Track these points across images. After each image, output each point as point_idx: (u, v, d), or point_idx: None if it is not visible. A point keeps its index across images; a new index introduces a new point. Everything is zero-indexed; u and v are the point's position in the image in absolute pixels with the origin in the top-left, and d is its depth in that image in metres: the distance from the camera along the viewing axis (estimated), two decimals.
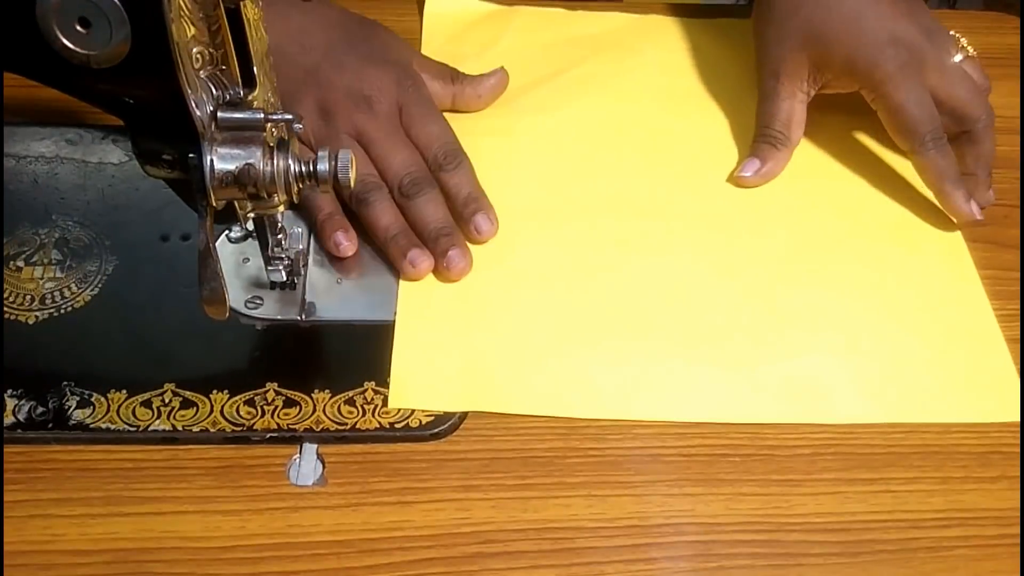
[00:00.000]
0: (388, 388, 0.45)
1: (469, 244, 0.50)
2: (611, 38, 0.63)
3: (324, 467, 0.43)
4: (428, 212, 0.49)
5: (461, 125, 0.54)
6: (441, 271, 0.49)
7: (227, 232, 0.50)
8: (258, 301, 0.48)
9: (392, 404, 0.45)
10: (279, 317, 0.48)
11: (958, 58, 0.54)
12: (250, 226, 0.45)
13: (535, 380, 0.46)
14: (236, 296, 0.48)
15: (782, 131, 0.55)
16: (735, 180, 0.55)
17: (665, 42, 0.64)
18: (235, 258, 0.49)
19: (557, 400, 0.45)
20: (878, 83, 0.52)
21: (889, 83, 0.52)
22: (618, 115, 0.58)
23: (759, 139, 0.55)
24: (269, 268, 0.47)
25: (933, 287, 0.51)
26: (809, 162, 0.57)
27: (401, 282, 0.49)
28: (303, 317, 0.48)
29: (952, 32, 0.56)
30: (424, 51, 0.60)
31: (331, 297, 0.49)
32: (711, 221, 0.53)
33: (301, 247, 0.49)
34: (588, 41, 0.63)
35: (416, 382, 0.45)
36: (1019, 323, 0.50)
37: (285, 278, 0.47)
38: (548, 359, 0.47)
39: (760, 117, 0.56)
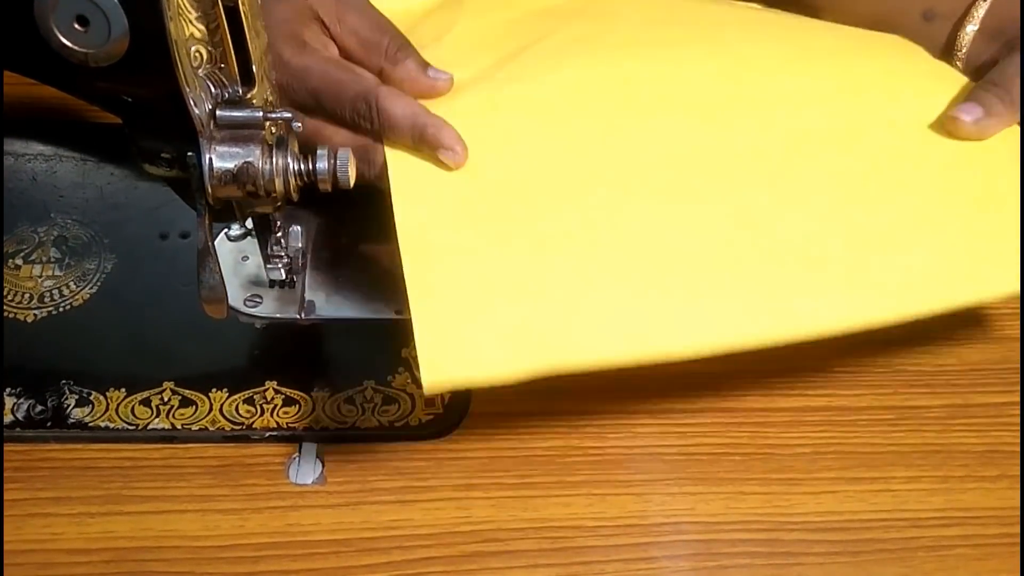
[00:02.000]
0: (416, 370, 0.40)
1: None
2: (581, 3, 0.55)
3: (323, 466, 0.43)
4: None
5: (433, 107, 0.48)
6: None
7: (226, 230, 0.50)
8: (257, 299, 0.48)
9: (428, 388, 0.36)
10: (278, 315, 0.47)
11: None
12: (249, 224, 0.45)
13: (597, 318, 0.39)
14: (235, 294, 0.48)
15: (1014, 95, 0.47)
16: (948, 119, 0.47)
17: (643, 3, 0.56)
18: (234, 256, 0.49)
19: (633, 336, 0.38)
20: None
21: None
22: (607, 76, 0.50)
23: (988, 89, 0.48)
24: (268, 266, 0.46)
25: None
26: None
27: (399, 221, 0.42)
28: (302, 315, 0.48)
29: None
30: None
31: (330, 295, 0.49)
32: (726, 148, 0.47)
33: (300, 245, 0.48)
34: (556, 11, 0.56)
35: (453, 348, 0.37)
36: (1019, 321, 0.50)
37: (284, 276, 0.47)
38: (602, 286, 0.40)
39: (996, 72, 0.48)
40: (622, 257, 0.41)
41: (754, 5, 0.58)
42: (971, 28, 0.52)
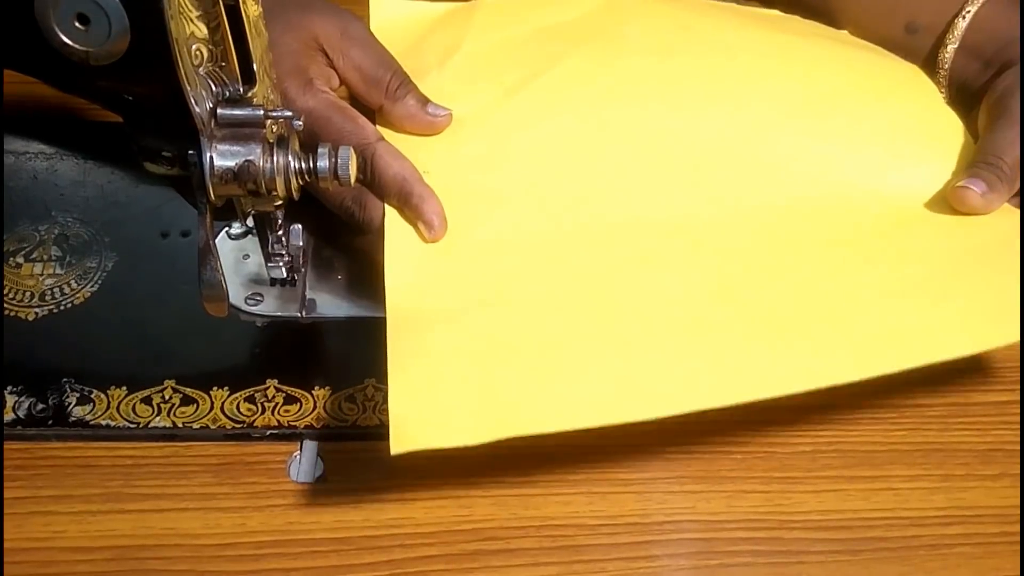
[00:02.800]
0: (389, 388, 0.41)
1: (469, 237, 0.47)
2: (589, 23, 0.53)
3: (325, 464, 0.43)
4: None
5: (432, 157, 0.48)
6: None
7: (227, 229, 0.50)
8: (258, 298, 0.48)
9: (395, 449, 0.37)
10: (279, 314, 0.48)
11: None
12: (250, 223, 0.45)
13: (565, 387, 0.40)
14: (236, 293, 0.48)
15: (1012, 170, 0.47)
16: (955, 191, 0.47)
17: (651, 23, 0.55)
18: (235, 255, 0.49)
19: (596, 407, 0.39)
20: None
21: None
22: (614, 117, 0.50)
23: (984, 166, 0.47)
24: (269, 265, 0.46)
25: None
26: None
27: (388, 285, 0.43)
28: (303, 314, 0.48)
29: None
30: None
31: (331, 294, 0.49)
32: (720, 216, 0.48)
33: (301, 244, 0.48)
34: (564, 31, 0.54)
35: (422, 414, 0.38)
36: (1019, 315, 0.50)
37: (285, 275, 0.47)
38: (569, 360, 0.41)
39: (991, 144, 0.48)
40: (596, 326, 0.42)
41: (759, 10, 0.58)
42: (952, 47, 0.53)
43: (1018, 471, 0.44)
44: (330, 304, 0.48)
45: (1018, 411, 0.47)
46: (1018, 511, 0.43)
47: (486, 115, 0.51)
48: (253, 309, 0.47)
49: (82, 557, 0.39)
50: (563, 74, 0.52)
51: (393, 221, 0.46)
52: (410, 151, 0.49)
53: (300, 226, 0.50)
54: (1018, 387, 0.48)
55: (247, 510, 0.41)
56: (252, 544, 0.40)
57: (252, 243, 0.49)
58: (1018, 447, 0.45)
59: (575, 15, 0.55)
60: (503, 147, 0.50)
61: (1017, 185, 0.48)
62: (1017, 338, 0.41)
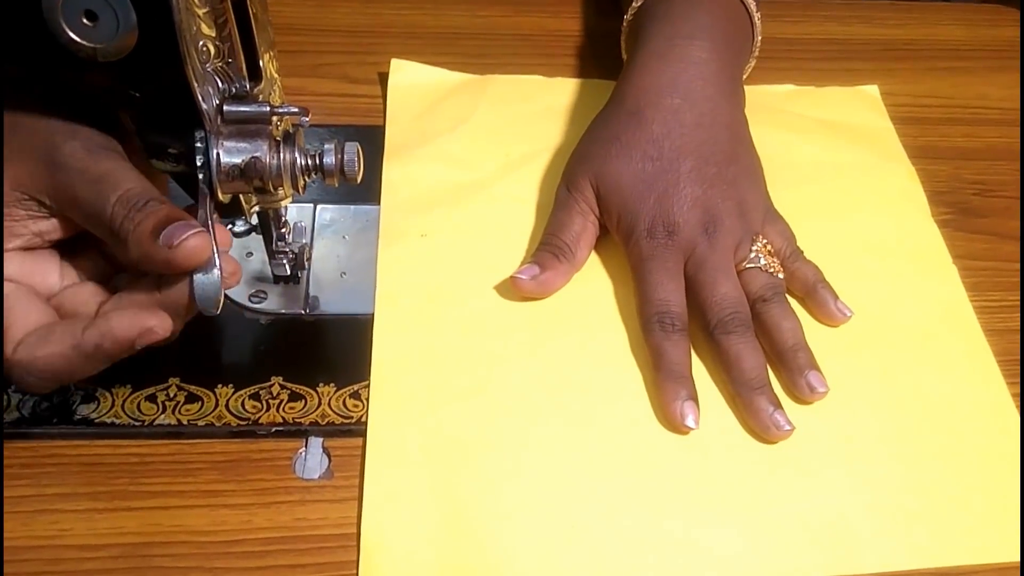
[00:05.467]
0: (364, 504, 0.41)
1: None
2: (593, 108, 0.54)
3: (330, 461, 0.43)
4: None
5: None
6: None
7: (230, 226, 0.50)
8: (262, 295, 0.48)
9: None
10: (283, 311, 0.48)
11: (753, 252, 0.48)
12: (254, 220, 0.45)
13: (527, 549, 0.40)
14: (240, 290, 0.48)
15: (570, 245, 0.49)
16: (510, 281, 0.48)
17: None
18: (238, 253, 0.49)
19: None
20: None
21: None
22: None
23: (543, 247, 0.49)
24: (273, 262, 0.47)
25: (955, 396, 0.47)
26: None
27: (369, 438, 0.43)
28: (307, 311, 0.48)
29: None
30: (389, 128, 0.56)
31: (335, 291, 0.49)
32: None
33: (305, 241, 0.49)
34: (569, 111, 0.58)
35: (392, 555, 0.40)
36: (1019, 314, 0.51)
37: (289, 272, 0.47)
38: (536, 524, 0.41)
39: (550, 223, 0.50)
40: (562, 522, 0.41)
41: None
42: None
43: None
44: (333, 301, 0.48)
45: (1018, 404, 0.47)
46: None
47: (489, 184, 0.53)
48: (257, 306, 0.47)
49: (89, 555, 0.39)
50: (564, 152, 0.54)
51: (385, 295, 0.47)
52: (409, 214, 0.51)
53: (303, 223, 0.50)
54: (1018, 381, 0.48)
55: (253, 507, 0.41)
56: (259, 541, 0.40)
57: (255, 241, 0.49)
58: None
59: (580, 99, 0.59)
60: (502, 217, 0.52)
61: (579, 262, 0.49)
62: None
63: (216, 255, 0.36)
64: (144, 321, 0.36)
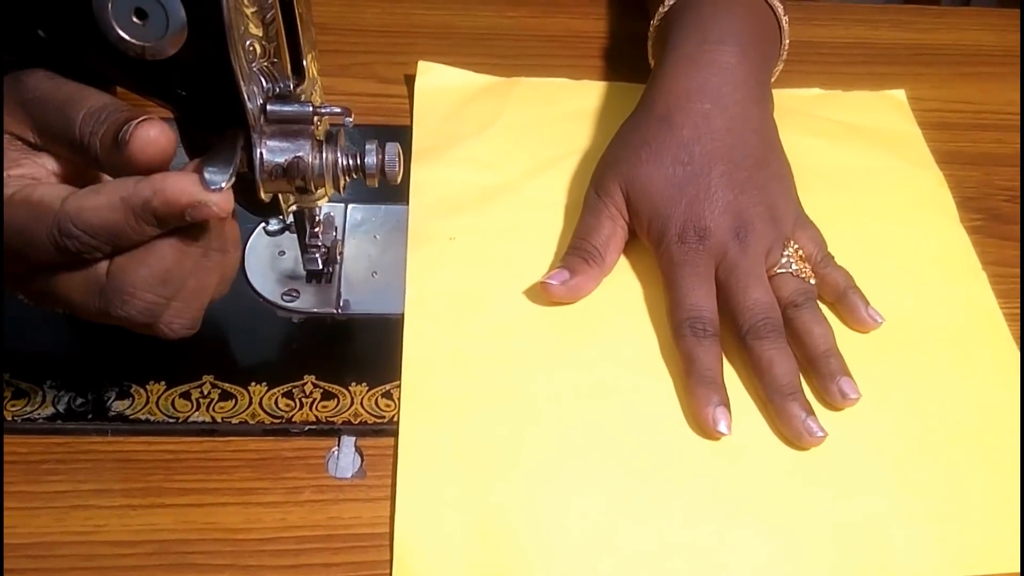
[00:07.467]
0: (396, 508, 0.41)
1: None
2: (620, 111, 0.54)
3: (363, 460, 0.43)
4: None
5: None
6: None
7: (264, 225, 0.50)
8: (294, 294, 0.48)
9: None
10: (315, 310, 0.48)
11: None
12: (290, 219, 0.45)
13: (561, 547, 0.40)
14: (272, 289, 0.48)
15: (599, 249, 0.49)
16: (540, 286, 0.48)
17: None
18: (271, 251, 0.49)
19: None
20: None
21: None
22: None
23: (573, 251, 0.49)
24: (305, 256, 0.47)
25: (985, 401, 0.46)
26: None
27: (401, 440, 0.43)
28: (339, 310, 0.48)
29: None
30: (417, 131, 0.56)
31: (366, 290, 0.49)
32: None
33: (335, 235, 0.49)
34: (596, 115, 0.59)
35: (425, 556, 0.40)
36: (1019, 314, 0.50)
37: (321, 266, 0.47)
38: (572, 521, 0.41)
39: (579, 227, 0.50)
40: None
41: None
42: None
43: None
44: (365, 300, 0.48)
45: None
46: None
47: (516, 187, 0.54)
48: (289, 305, 0.48)
49: (125, 551, 0.39)
50: (590, 157, 0.54)
51: (415, 294, 0.47)
52: (438, 217, 0.51)
53: (335, 217, 0.50)
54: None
55: (287, 505, 0.41)
56: (293, 539, 0.40)
57: (288, 240, 0.49)
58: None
59: (606, 102, 0.59)
60: (530, 221, 0.52)
61: (608, 266, 0.49)
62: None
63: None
64: (200, 192, 0.33)
